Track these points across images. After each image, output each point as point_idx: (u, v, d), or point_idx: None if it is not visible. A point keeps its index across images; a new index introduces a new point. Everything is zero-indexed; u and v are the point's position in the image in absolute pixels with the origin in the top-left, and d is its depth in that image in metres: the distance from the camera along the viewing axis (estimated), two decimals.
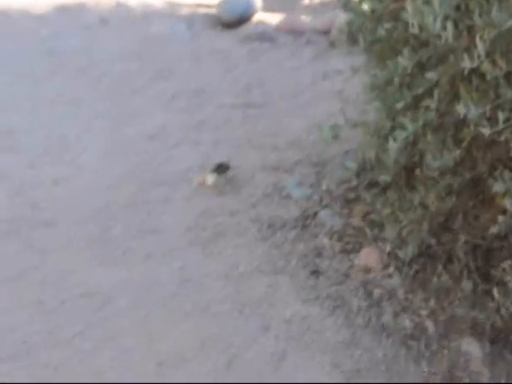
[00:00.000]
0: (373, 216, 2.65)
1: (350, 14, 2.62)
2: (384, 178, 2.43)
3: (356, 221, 2.75)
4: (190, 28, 4.67)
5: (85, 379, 2.11)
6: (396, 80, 2.35)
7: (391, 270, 2.50)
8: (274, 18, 4.74)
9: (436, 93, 2.16)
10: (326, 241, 2.68)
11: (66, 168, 3.20)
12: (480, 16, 1.99)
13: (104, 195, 3.00)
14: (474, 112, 1.96)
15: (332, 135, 2.68)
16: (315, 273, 2.53)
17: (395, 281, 2.45)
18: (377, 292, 2.43)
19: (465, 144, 2.12)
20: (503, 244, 2.25)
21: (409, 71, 2.24)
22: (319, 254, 2.62)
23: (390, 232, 2.41)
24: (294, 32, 4.56)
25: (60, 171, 3.17)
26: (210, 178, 3.02)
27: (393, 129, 2.35)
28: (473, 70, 2.02)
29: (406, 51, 2.22)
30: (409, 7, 2.04)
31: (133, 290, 2.46)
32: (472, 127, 2.04)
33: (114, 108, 3.72)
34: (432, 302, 2.36)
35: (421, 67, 2.28)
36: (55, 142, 3.41)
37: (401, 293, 2.42)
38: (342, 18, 3.37)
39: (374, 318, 2.33)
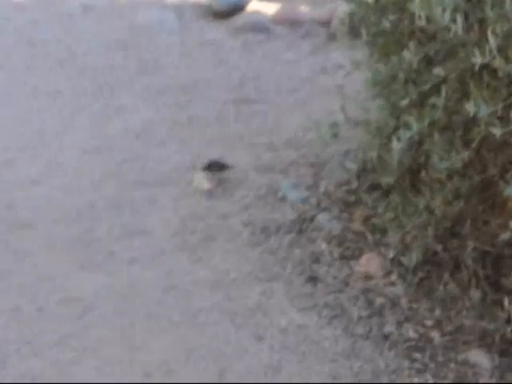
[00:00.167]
0: (374, 220, 2.66)
1: (352, 4, 2.64)
2: (387, 180, 2.45)
3: (356, 225, 2.76)
4: (179, 18, 4.67)
5: None
6: (401, 76, 2.36)
7: (394, 277, 2.51)
8: (269, 8, 4.75)
9: (444, 90, 2.18)
10: (324, 246, 2.69)
11: (45, 166, 3.20)
12: (492, 8, 2.01)
13: (85, 195, 2.99)
14: (484, 111, 1.98)
15: (331, 134, 2.70)
16: (312, 280, 2.54)
17: (398, 289, 2.46)
18: (378, 301, 2.44)
19: (474, 145, 2.14)
20: None
21: (415, 66, 2.26)
22: (317, 260, 2.63)
23: (392, 237, 2.42)
24: (291, 23, 4.56)
25: (38, 169, 3.17)
26: (202, 179, 3.02)
27: (397, 128, 2.37)
28: (484, 66, 2.04)
29: (411, 45, 2.24)
30: None
31: (116, 296, 2.46)
32: (482, 127, 2.06)
33: (96, 103, 3.72)
34: (438, 312, 2.37)
35: (428, 62, 2.30)
36: (33, 138, 3.40)
37: (404, 302, 2.42)
38: (343, 8, 3.38)
39: (376, 328, 2.34)
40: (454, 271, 2.40)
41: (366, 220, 2.74)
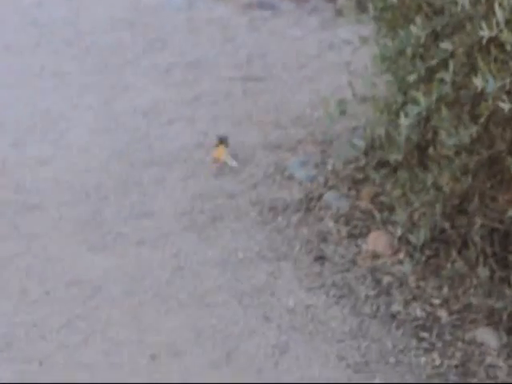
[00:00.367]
0: (382, 198, 2.65)
1: None
2: (394, 156, 2.43)
3: (364, 203, 2.74)
4: None
5: (72, 374, 2.12)
6: (408, 50, 2.34)
7: (401, 255, 2.50)
8: None
9: (451, 64, 2.16)
10: (331, 225, 2.68)
11: (52, 147, 3.19)
12: None
13: (93, 176, 2.99)
14: (492, 85, 1.95)
15: (339, 111, 2.67)
16: (320, 259, 2.53)
17: (406, 267, 2.44)
18: (386, 279, 2.43)
19: (482, 120, 2.12)
20: None
21: (422, 41, 2.24)
22: (324, 239, 2.62)
23: (400, 215, 2.40)
24: None
25: (45, 150, 3.17)
26: (227, 156, 3.00)
27: (404, 104, 2.35)
28: (491, 40, 2.01)
29: (418, 19, 2.22)
30: None
31: (124, 278, 2.47)
32: (490, 101, 2.03)
33: (103, 82, 3.70)
34: (445, 290, 2.36)
35: (435, 36, 2.27)
36: (40, 118, 3.40)
37: (412, 280, 2.42)
38: None
39: (383, 307, 2.33)
40: (462, 249, 2.39)
41: (374, 198, 2.72)
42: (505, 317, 2.19)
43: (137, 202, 2.84)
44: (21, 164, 3.08)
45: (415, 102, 2.18)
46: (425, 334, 2.22)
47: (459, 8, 2.10)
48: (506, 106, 1.95)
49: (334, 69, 3.68)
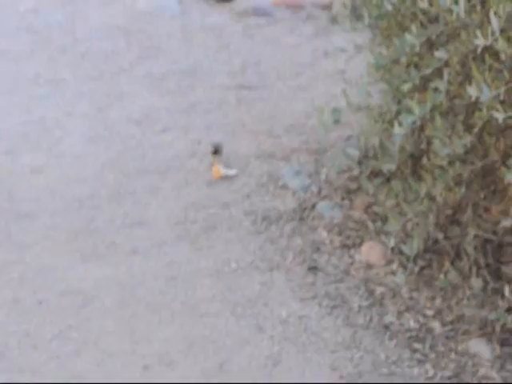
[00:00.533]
0: (375, 208, 2.65)
1: None
2: (388, 166, 2.43)
3: (357, 213, 2.74)
4: (181, 2, 4.64)
5: None
6: (403, 59, 2.35)
7: (395, 266, 2.50)
8: None
9: (446, 73, 2.16)
10: (324, 235, 2.68)
11: (46, 155, 3.19)
12: None
13: (86, 185, 2.99)
14: (486, 94, 1.96)
15: (333, 120, 2.68)
16: (313, 269, 2.53)
17: (399, 278, 2.44)
18: (379, 290, 2.43)
19: (476, 130, 2.12)
20: None
21: (417, 49, 2.24)
22: (317, 249, 2.62)
23: (393, 225, 2.40)
24: (292, 6, 4.53)
25: (39, 158, 3.16)
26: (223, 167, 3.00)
27: (399, 113, 2.35)
28: (486, 48, 2.02)
29: (413, 27, 2.22)
30: None
31: (117, 287, 2.46)
32: (484, 111, 2.04)
33: (97, 89, 3.70)
34: (438, 301, 2.36)
35: (430, 45, 2.28)
36: (34, 126, 3.40)
37: (405, 291, 2.42)
38: None
39: (376, 317, 2.33)
40: (455, 259, 2.39)
41: (367, 208, 2.73)
42: (498, 328, 2.19)
43: (130, 211, 2.83)
44: (14, 172, 3.07)
45: (409, 111, 2.19)
46: (418, 345, 2.22)
47: (454, 16, 2.10)
48: (500, 116, 1.95)
49: (328, 77, 3.69)
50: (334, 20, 4.16)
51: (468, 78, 2.11)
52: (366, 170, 2.71)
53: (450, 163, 2.20)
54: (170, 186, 2.98)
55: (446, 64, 2.21)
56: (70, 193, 2.94)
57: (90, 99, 3.62)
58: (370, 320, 2.32)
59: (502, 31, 1.97)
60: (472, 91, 1.98)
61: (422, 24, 2.29)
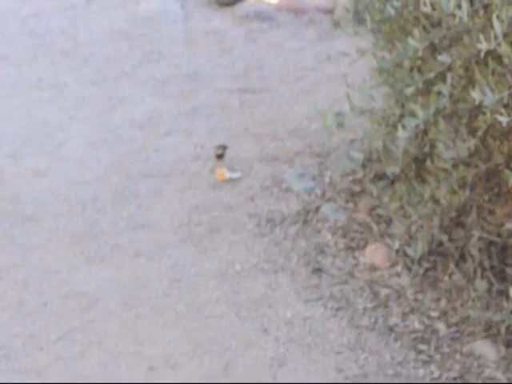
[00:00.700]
0: (380, 210, 2.66)
1: None
2: (392, 169, 2.44)
3: (361, 216, 2.75)
4: (183, 6, 4.65)
5: None
6: (406, 63, 2.35)
7: (399, 268, 2.51)
8: None
9: (449, 77, 2.17)
10: (329, 237, 2.69)
11: (49, 158, 3.20)
12: None
13: (90, 188, 3.00)
14: (490, 98, 1.96)
15: (336, 123, 2.69)
16: (318, 271, 2.54)
17: (403, 280, 2.45)
18: (384, 292, 2.44)
19: (480, 133, 2.13)
20: None
21: (420, 53, 2.25)
22: (322, 252, 2.63)
23: (398, 228, 2.41)
24: (295, 11, 4.54)
25: (42, 162, 3.17)
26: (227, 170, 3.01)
27: (402, 116, 2.36)
28: (489, 53, 2.03)
29: (416, 32, 2.23)
30: None
31: (121, 290, 2.47)
32: (488, 115, 2.05)
33: (100, 93, 3.71)
34: (443, 303, 2.37)
35: (433, 49, 2.29)
36: (37, 130, 3.41)
37: (410, 293, 2.42)
38: None
39: (381, 319, 2.34)
40: (460, 261, 2.39)
41: (372, 210, 2.74)
42: (503, 329, 2.20)
43: (134, 214, 2.84)
44: (17, 175, 3.08)
45: (413, 114, 2.20)
46: (423, 347, 2.23)
47: (457, 21, 2.11)
48: (503, 119, 1.96)
49: (331, 81, 3.70)
50: (336, 24, 4.18)
51: (471, 82, 2.12)
52: (370, 172, 2.72)
53: (454, 166, 2.21)
54: (174, 189, 2.99)
55: (449, 68, 2.22)
56: (74, 196, 2.95)
57: (93, 103, 3.63)
58: (375, 321, 2.33)
59: (505, 35, 1.97)
60: (475, 95, 1.99)
61: (424, 28, 2.30)
